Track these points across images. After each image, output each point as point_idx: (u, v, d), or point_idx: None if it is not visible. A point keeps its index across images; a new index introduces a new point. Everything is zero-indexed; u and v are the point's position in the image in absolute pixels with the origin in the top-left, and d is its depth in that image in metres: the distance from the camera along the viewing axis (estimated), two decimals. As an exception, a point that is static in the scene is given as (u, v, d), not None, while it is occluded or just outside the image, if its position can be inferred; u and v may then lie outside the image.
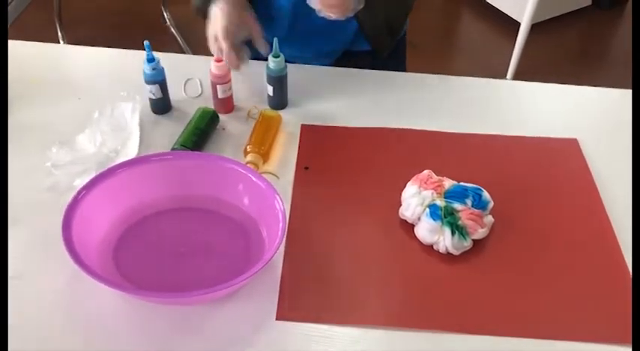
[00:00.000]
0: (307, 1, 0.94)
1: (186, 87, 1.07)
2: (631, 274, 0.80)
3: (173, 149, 0.93)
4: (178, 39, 2.49)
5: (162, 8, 2.57)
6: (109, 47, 1.18)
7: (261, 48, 0.99)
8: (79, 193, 0.78)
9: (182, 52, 2.41)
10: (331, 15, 0.93)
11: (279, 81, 1.01)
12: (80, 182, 0.85)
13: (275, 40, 0.97)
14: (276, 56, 0.98)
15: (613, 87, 1.14)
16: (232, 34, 0.96)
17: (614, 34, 2.87)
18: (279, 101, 1.03)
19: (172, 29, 2.53)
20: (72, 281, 0.76)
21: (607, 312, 0.77)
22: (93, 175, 0.83)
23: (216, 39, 0.97)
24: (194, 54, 2.31)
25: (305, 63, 1.13)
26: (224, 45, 0.95)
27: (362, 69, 1.13)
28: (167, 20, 2.55)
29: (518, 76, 2.32)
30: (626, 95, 1.12)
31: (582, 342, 0.74)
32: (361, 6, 0.95)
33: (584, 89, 1.14)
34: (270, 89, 1.02)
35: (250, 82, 1.07)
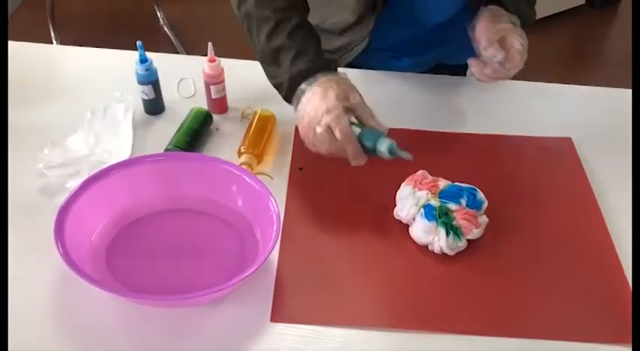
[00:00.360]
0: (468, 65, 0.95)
1: (179, 87, 1.07)
2: (629, 273, 0.80)
3: (166, 150, 0.92)
4: (172, 39, 2.48)
5: (156, 8, 2.57)
6: (102, 47, 1.18)
7: (379, 126, 0.85)
8: (71, 195, 0.78)
9: (176, 51, 2.41)
10: (484, 80, 0.96)
11: None
12: (73, 184, 0.85)
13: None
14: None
15: (606, 86, 1.14)
16: (349, 128, 0.81)
17: (607, 33, 2.88)
18: None
19: (166, 29, 2.52)
20: (64, 283, 0.76)
21: (602, 311, 0.77)
22: (85, 176, 0.82)
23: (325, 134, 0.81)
24: (188, 54, 2.31)
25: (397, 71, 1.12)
26: (349, 145, 0.81)
27: (357, 68, 1.12)
28: (160, 20, 2.54)
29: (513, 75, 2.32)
30: (619, 94, 1.12)
31: (577, 342, 0.74)
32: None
33: (578, 88, 1.14)
34: None
35: (244, 83, 1.06)
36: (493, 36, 0.93)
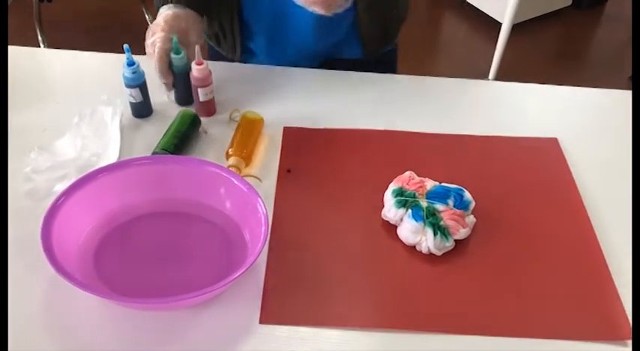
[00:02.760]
0: None
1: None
2: (615, 271, 0.81)
3: (154, 153, 0.92)
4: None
5: (144, 10, 2.56)
6: (90, 50, 1.17)
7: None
8: (58, 198, 0.77)
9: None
10: (315, 9, 0.90)
11: (182, 78, 1.00)
12: (60, 188, 0.85)
13: (174, 37, 0.96)
14: (177, 53, 0.98)
15: (592, 86, 1.16)
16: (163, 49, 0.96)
17: (593, 34, 2.91)
18: (184, 99, 1.03)
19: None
20: (52, 288, 0.76)
21: (589, 309, 0.77)
22: (73, 180, 0.82)
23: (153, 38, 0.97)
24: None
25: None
26: (157, 62, 0.96)
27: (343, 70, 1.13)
28: (149, 22, 2.54)
29: (500, 76, 2.34)
30: (605, 94, 1.14)
31: (565, 340, 0.74)
32: (349, 4, 0.93)
33: (564, 89, 1.15)
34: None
35: (232, 85, 1.07)
36: None
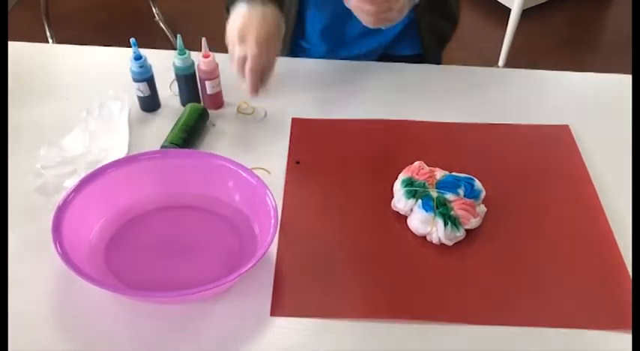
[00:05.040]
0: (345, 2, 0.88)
1: (174, 84, 1.06)
2: (628, 260, 0.80)
3: (163, 147, 0.92)
4: (168, 34, 2.47)
5: (151, 3, 2.56)
6: (98, 45, 1.17)
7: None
8: (68, 194, 0.78)
9: (173, 47, 2.40)
10: (363, 19, 0.88)
11: (184, 79, 0.99)
12: (70, 183, 0.85)
13: (179, 36, 0.94)
14: (182, 54, 0.97)
15: (603, 72, 1.14)
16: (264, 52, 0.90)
17: (603, 18, 2.87)
18: (187, 99, 1.02)
19: (162, 24, 2.51)
20: (63, 283, 0.76)
21: (601, 298, 0.77)
22: (82, 175, 0.82)
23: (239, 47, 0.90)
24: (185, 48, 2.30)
25: None
26: (251, 64, 0.90)
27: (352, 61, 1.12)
28: (156, 15, 2.53)
29: (509, 62, 2.32)
30: (616, 80, 1.12)
31: (575, 329, 0.74)
32: (400, 18, 0.89)
33: (575, 75, 1.14)
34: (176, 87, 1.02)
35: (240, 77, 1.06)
36: None
